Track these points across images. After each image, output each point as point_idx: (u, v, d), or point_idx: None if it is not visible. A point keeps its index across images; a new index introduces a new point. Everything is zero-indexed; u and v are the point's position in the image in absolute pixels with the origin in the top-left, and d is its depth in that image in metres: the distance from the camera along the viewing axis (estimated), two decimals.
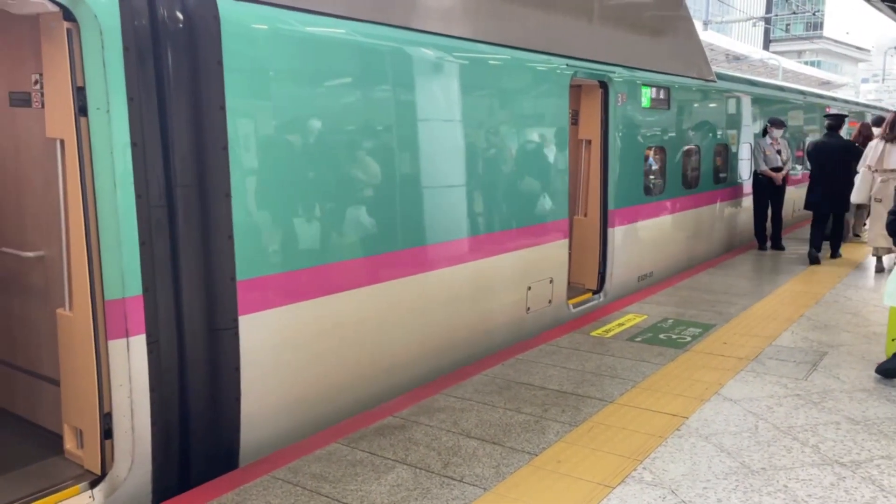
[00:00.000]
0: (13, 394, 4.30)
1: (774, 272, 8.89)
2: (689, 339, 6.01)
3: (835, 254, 9.75)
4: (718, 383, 4.93)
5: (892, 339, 5.26)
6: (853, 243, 11.01)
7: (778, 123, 10.21)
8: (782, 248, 10.43)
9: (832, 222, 9.68)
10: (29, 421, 4.19)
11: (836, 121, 9.64)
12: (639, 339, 6.01)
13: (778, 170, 10.08)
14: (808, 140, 13.98)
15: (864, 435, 4.11)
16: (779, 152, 10.13)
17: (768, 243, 10.50)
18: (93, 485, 3.50)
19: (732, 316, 6.73)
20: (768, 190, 10.19)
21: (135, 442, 3.51)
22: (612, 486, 3.54)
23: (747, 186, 10.99)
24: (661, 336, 6.09)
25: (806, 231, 12.14)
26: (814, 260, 9.29)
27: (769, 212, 10.36)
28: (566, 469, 3.73)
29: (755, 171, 10.26)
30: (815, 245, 9.37)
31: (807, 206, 9.62)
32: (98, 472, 3.56)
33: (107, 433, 3.52)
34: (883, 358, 5.39)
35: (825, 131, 9.86)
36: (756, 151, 10.25)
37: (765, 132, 10.37)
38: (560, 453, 3.91)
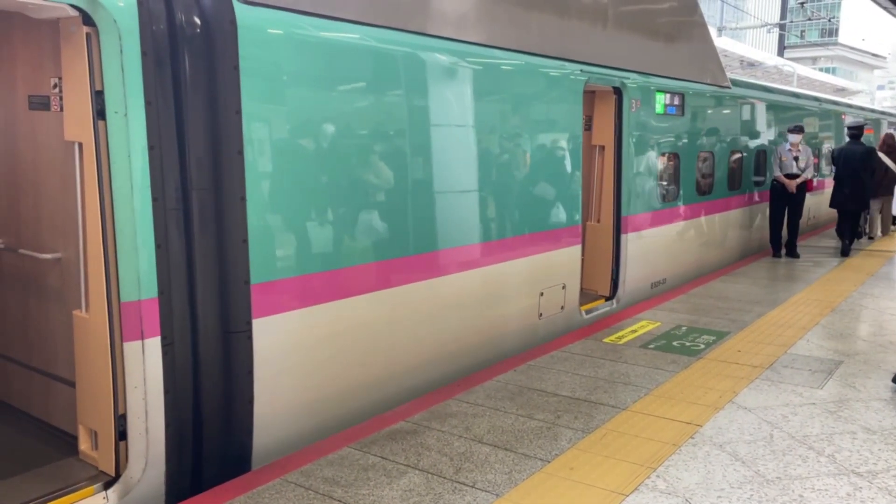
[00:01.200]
0: (29, 394, 4.33)
1: (789, 280, 8.82)
2: (702, 346, 5.97)
3: (846, 251, 10.68)
4: (733, 391, 4.90)
5: None
6: (867, 249, 10.95)
7: (795, 129, 10.11)
8: (797, 256, 10.36)
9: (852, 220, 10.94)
10: (44, 422, 4.22)
11: (858, 130, 10.71)
12: (652, 346, 5.98)
13: (794, 177, 10.01)
14: (825, 146, 13.94)
15: (880, 445, 4.07)
16: (796, 159, 10.02)
17: (783, 251, 10.42)
18: (107, 486, 3.52)
19: (747, 324, 6.68)
20: (784, 196, 10.11)
21: (149, 444, 3.53)
22: (625, 494, 3.52)
23: (762, 193, 10.92)
24: (675, 343, 6.05)
25: (819, 240, 12.16)
26: (844, 251, 10.59)
27: (785, 219, 10.30)
28: (579, 476, 3.71)
29: (772, 178, 10.23)
30: (845, 237, 10.71)
31: (832, 205, 10.90)
32: (112, 473, 3.58)
33: (121, 435, 3.54)
34: None
35: (848, 139, 10.87)
36: (772, 157, 10.22)
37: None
38: (573, 460, 3.89)
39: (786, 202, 10.16)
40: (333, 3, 4.27)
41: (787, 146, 10.08)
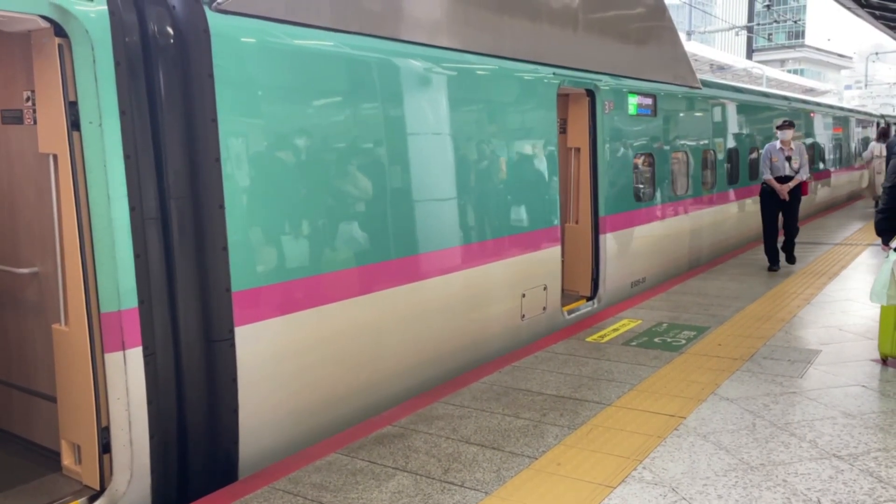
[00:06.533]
0: (9, 412, 4.27)
1: (766, 275, 8.93)
2: (683, 341, 6.03)
3: None
4: (715, 383, 4.95)
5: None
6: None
7: (784, 125, 9.00)
8: (793, 261, 9.33)
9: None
10: (25, 439, 4.16)
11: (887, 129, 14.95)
12: (634, 343, 6.03)
13: (786, 179, 8.88)
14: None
15: (860, 429, 4.14)
16: (788, 159, 8.85)
17: (779, 263, 9.24)
18: (92, 500, 3.48)
19: (726, 318, 6.76)
20: (777, 201, 8.97)
21: (133, 455, 3.50)
22: (612, 487, 3.54)
23: (737, 192, 11.06)
24: (656, 340, 6.11)
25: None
26: None
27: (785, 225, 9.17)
28: (567, 471, 3.73)
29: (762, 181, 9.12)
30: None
31: None
32: (97, 486, 3.54)
33: (105, 447, 3.50)
34: (876, 354, 5.44)
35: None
36: (762, 158, 9.08)
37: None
38: (560, 456, 3.91)
39: (778, 207, 9.01)
40: (306, 11, 4.30)
41: (778, 145, 8.95)
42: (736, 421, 4.29)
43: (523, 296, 6.17)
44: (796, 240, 9.46)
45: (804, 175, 8.97)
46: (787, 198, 8.87)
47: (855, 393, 4.71)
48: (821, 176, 15.72)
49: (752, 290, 8.02)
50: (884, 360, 5.30)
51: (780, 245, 9.31)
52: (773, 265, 9.15)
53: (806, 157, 9.08)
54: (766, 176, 8.95)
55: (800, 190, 9.04)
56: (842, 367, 5.23)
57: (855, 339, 5.98)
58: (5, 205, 4.09)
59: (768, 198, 9.05)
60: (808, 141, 14.82)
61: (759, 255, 10.21)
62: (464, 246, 5.50)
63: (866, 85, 67.84)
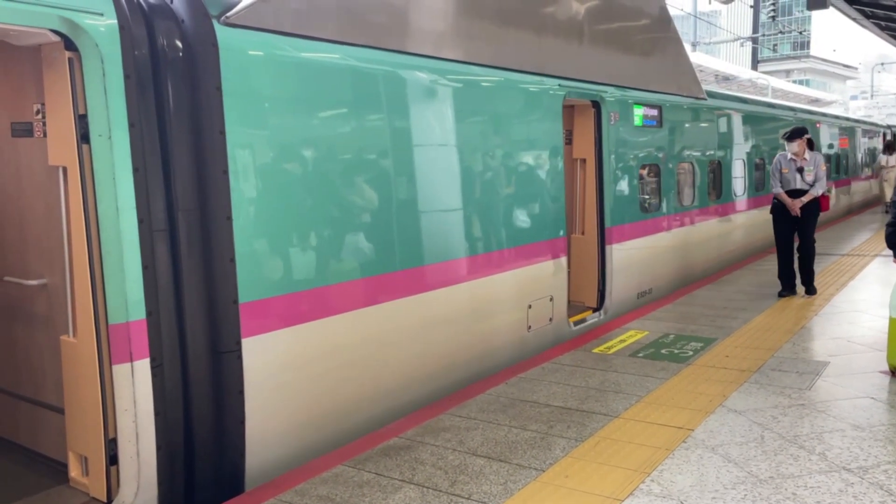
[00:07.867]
0: (17, 423, 4.28)
1: (774, 286, 8.89)
2: (691, 353, 6.01)
3: None
4: (722, 395, 4.93)
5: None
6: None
7: (792, 134, 7.99)
8: (813, 292, 8.11)
9: None
10: (33, 450, 4.17)
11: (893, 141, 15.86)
12: (641, 354, 6.01)
13: (798, 193, 7.89)
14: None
15: (869, 441, 4.11)
16: (800, 171, 7.89)
17: (797, 287, 8.19)
18: None
19: (733, 329, 6.74)
20: (788, 218, 7.95)
21: (140, 467, 3.50)
22: (620, 500, 3.52)
23: (741, 203, 11.04)
24: (664, 351, 6.09)
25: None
26: None
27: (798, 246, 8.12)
28: (574, 484, 3.71)
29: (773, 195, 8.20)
30: None
31: None
32: (104, 498, 3.54)
33: (112, 459, 3.50)
34: (884, 365, 5.40)
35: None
36: (772, 169, 8.13)
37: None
38: (567, 468, 3.89)
39: (793, 224, 7.98)
40: (313, 24, 4.33)
41: (789, 155, 7.98)
42: (744, 433, 4.27)
43: (529, 307, 6.16)
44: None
45: (820, 189, 7.87)
46: (798, 213, 7.84)
47: (864, 405, 4.68)
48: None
49: (760, 301, 7.98)
50: (892, 372, 5.27)
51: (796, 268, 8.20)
52: (785, 290, 8.12)
53: (823, 169, 7.97)
54: (776, 189, 7.99)
55: (817, 205, 7.93)
56: (850, 379, 5.20)
57: (863, 350, 5.95)
58: (14, 217, 4.11)
59: (779, 214, 8.04)
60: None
61: (766, 266, 10.18)
62: (470, 257, 5.50)
63: (872, 95, 67.73)
